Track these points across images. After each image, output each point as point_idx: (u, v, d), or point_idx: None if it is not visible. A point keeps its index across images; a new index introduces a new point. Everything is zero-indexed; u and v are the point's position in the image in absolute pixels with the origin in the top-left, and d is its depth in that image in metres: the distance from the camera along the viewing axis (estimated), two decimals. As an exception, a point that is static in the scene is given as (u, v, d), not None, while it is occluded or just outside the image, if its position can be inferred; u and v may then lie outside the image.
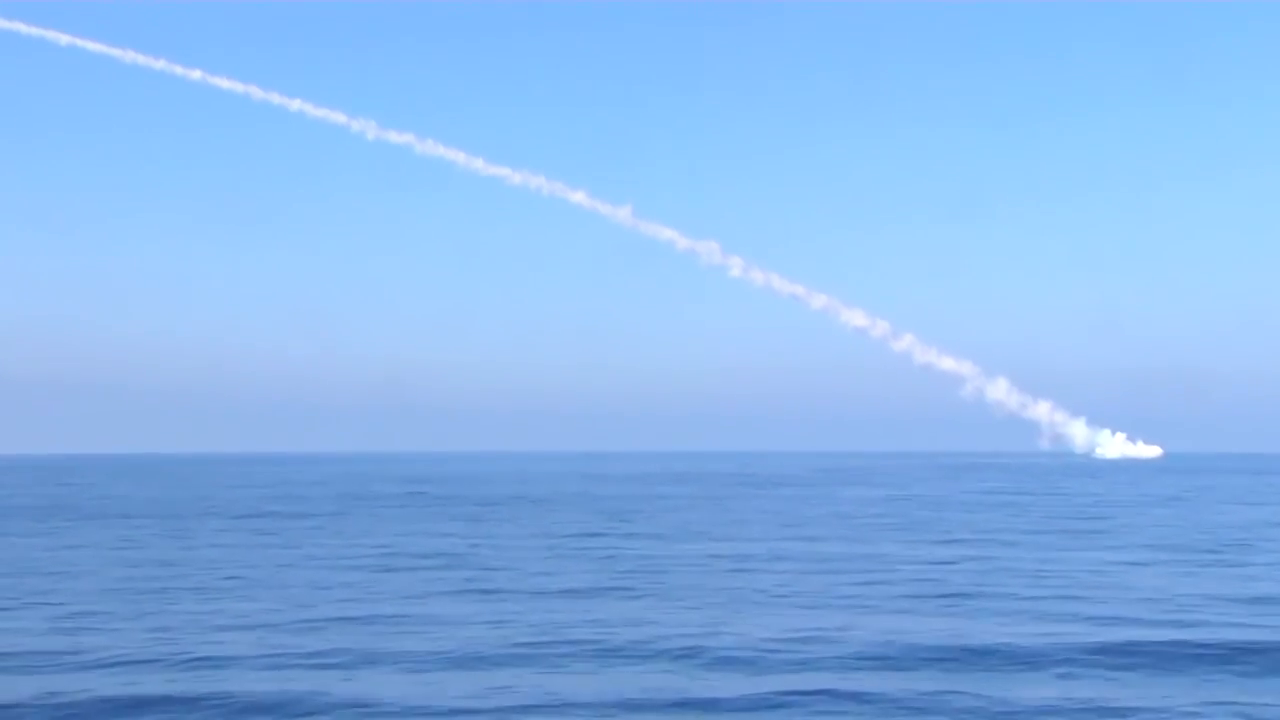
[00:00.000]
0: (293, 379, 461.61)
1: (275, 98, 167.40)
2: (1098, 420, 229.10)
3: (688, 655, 24.07)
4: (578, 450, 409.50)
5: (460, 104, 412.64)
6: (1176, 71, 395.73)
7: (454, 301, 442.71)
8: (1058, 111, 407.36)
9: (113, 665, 23.21)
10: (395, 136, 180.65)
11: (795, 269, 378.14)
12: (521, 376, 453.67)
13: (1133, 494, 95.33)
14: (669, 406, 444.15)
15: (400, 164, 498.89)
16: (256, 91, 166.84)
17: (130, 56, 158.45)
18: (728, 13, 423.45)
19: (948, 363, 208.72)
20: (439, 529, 59.75)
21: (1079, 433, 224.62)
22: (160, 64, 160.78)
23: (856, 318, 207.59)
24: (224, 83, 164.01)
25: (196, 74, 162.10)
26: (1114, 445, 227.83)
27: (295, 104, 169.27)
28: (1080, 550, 46.59)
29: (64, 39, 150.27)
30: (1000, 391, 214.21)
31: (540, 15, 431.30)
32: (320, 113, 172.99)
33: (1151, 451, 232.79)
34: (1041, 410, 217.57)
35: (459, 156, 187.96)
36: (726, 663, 23.46)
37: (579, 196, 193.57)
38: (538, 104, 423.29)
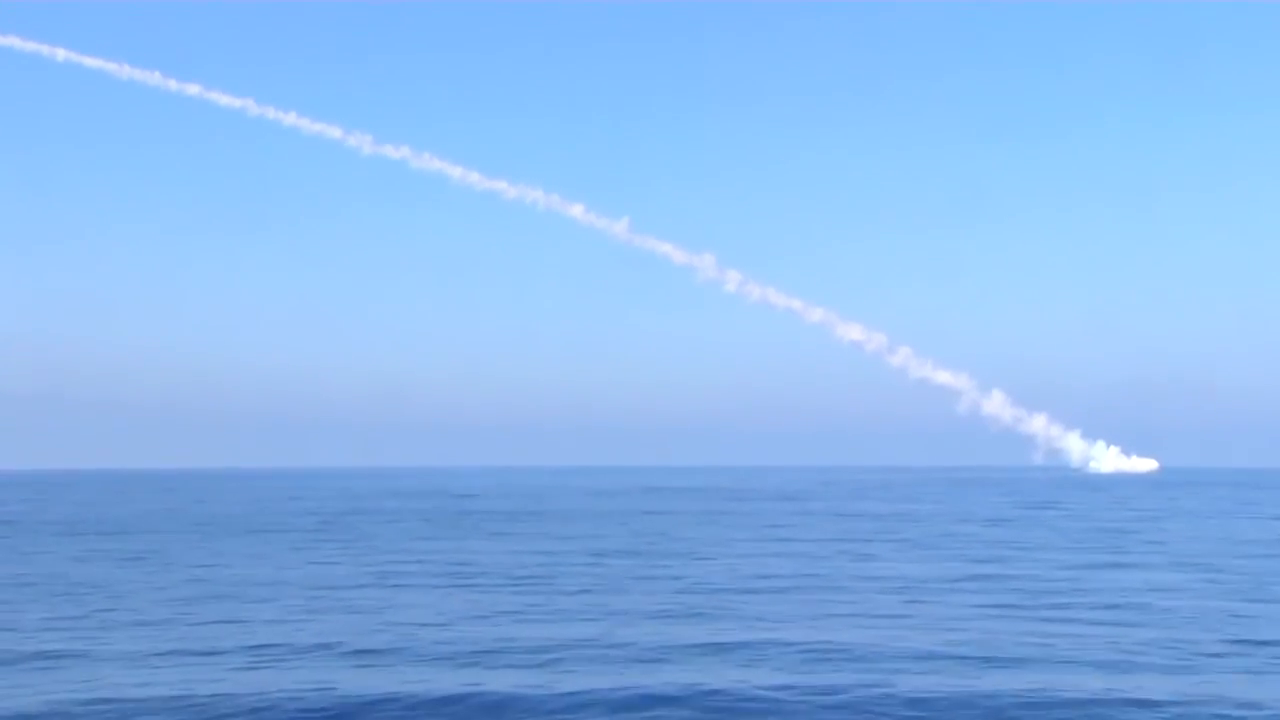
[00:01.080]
0: (280, 393, 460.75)
1: (271, 112, 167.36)
2: (1091, 433, 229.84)
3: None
4: (570, 465, 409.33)
5: (456, 117, 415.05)
6: (1175, 78, 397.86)
7: (448, 316, 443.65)
8: (1055, 120, 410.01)
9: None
10: (391, 150, 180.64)
11: (793, 282, 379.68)
12: (515, 390, 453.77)
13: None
14: (662, 421, 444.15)
15: (396, 178, 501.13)
16: (252, 106, 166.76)
17: (126, 72, 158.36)
18: (724, 24, 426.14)
19: (944, 376, 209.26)
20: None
21: (1074, 446, 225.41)
22: (155, 77, 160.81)
23: (854, 331, 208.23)
24: (221, 97, 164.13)
25: (194, 88, 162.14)
26: (1109, 459, 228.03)
27: (290, 117, 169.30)
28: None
29: (61, 54, 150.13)
30: (996, 405, 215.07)
31: (534, 28, 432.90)
32: (316, 127, 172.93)
33: (1147, 465, 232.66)
34: (1037, 424, 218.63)
35: (455, 170, 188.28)
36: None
37: (577, 210, 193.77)
38: (533, 117, 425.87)
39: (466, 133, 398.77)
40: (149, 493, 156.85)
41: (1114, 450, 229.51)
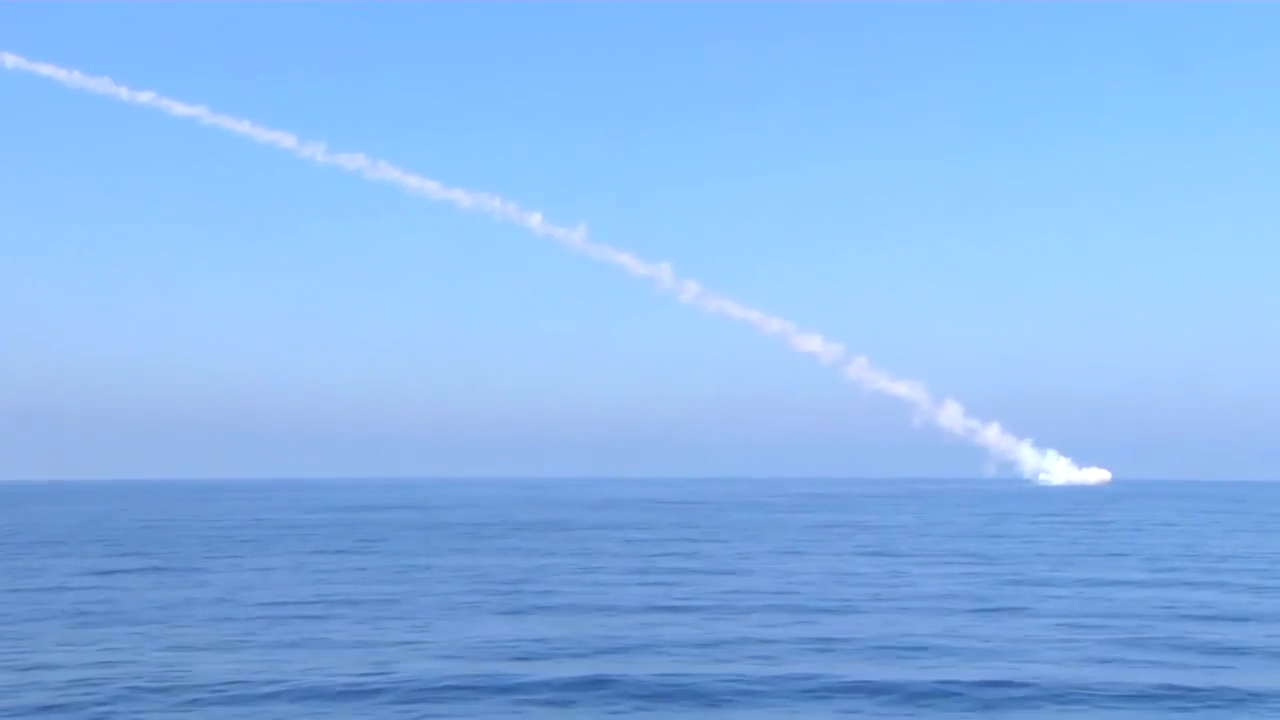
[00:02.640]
0: (232, 406, 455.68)
1: (226, 121, 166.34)
2: (1042, 442, 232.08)
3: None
4: (519, 476, 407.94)
5: (413, 126, 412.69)
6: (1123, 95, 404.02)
7: (401, 327, 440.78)
8: (1018, 132, 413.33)
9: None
10: (346, 160, 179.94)
11: (756, 294, 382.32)
12: (466, 402, 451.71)
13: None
14: (615, 431, 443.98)
15: (351, 188, 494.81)
16: (206, 114, 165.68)
17: (76, 79, 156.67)
18: (684, 34, 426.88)
19: (900, 388, 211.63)
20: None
21: (1026, 457, 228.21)
22: (105, 84, 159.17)
23: (811, 342, 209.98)
24: (174, 105, 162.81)
25: (147, 96, 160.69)
26: (1060, 470, 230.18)
27: (244, 126, 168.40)
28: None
29: (10, 60, 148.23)
30: (950, 416, 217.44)
31: (491, 36, 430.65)
32: (271, 135, 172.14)
33: (1099, 476, 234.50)
34: (990, 435, 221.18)
35: (411, 180, 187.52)
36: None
37: (534, 219, 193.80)
38: (492, 125, 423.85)
39: (423, 142, 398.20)
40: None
41: (1064, 461, 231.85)
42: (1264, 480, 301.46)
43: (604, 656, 28.24)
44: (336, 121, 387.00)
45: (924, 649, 29.20)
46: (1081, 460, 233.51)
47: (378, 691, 24.22)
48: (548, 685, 24.85)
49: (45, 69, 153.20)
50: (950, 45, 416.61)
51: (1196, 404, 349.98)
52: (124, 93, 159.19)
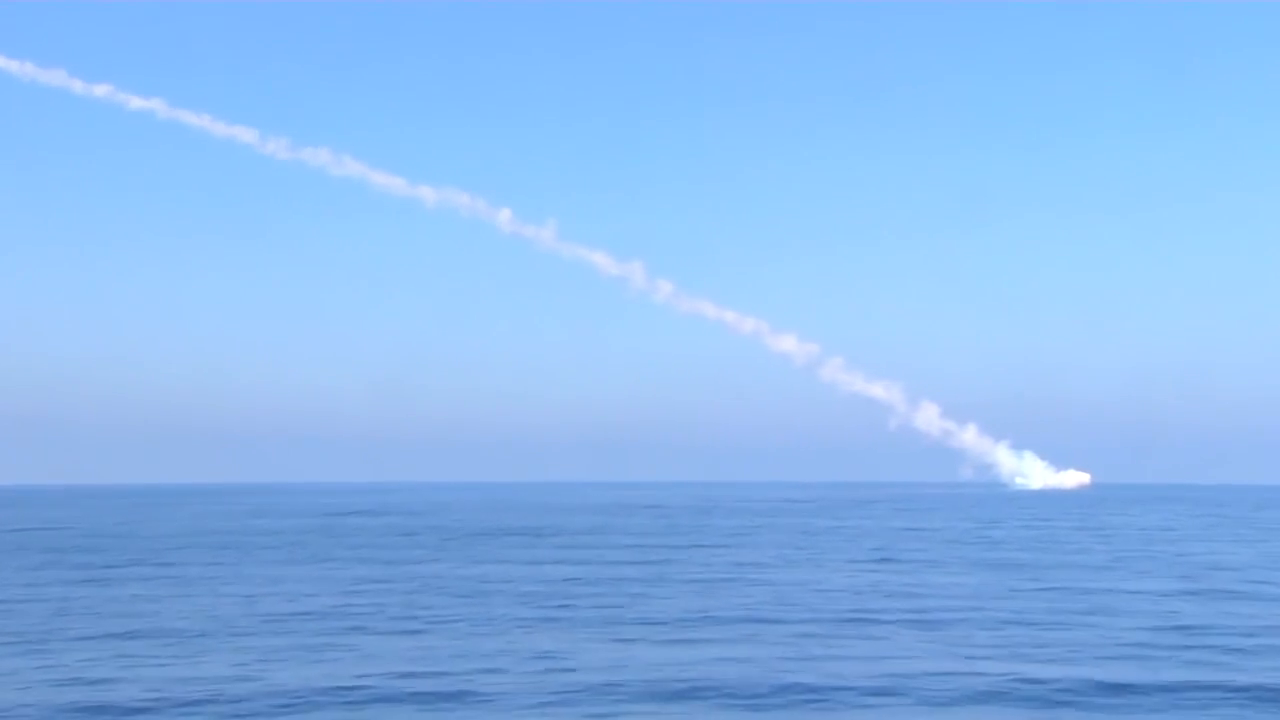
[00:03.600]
0: (175, 410, 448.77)
1: (185, 115, 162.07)
2: (1019, 444, 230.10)
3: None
4: (493, 481, 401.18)
5: (377, 121, 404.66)
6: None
7: (363, 328, 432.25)
8: (995, 128, 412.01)
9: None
10: (310, 155, 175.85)
11: (726, 294, 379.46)
12: (428, 406, 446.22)
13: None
14: (584, 435, 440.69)
15: (315, 184, 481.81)
16: (163, 107, 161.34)
17: (29, 71, 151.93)
18: (653, 29, 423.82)
19: (876, 389, 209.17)
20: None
21: (1004, 460, 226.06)
22: (60, 77, 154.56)
23: (787, 342, 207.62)
24: (132, 99, 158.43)
25: (104, 89, 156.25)
26: (1038, 473, 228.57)
27: (203, 120, 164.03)
28: None
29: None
30: (927, 418, 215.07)
31: (456, 31, 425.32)
32: (230, 130, 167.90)
33: (1078, 479, 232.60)
34: (968, 437, 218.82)
35: (377, 176, 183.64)
36: None
37: (503, 216, 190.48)
38: (458, 121, 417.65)
39: (389, 138, 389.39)
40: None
41: (1041, 464, 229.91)
42: (1243, 484, 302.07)
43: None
44: (301, 117, 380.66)
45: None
46: (1058, 463, 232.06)
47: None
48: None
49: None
50: (934, 41, 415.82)
51: (1177, 406, 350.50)
52: (79, 86, 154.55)
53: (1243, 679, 27.18)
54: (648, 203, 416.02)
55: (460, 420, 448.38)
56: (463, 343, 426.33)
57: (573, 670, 28.68)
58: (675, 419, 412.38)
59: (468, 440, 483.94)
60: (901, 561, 60.55)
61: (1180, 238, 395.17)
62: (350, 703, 25.08)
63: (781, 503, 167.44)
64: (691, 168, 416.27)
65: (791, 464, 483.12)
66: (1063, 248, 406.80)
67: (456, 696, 25.66)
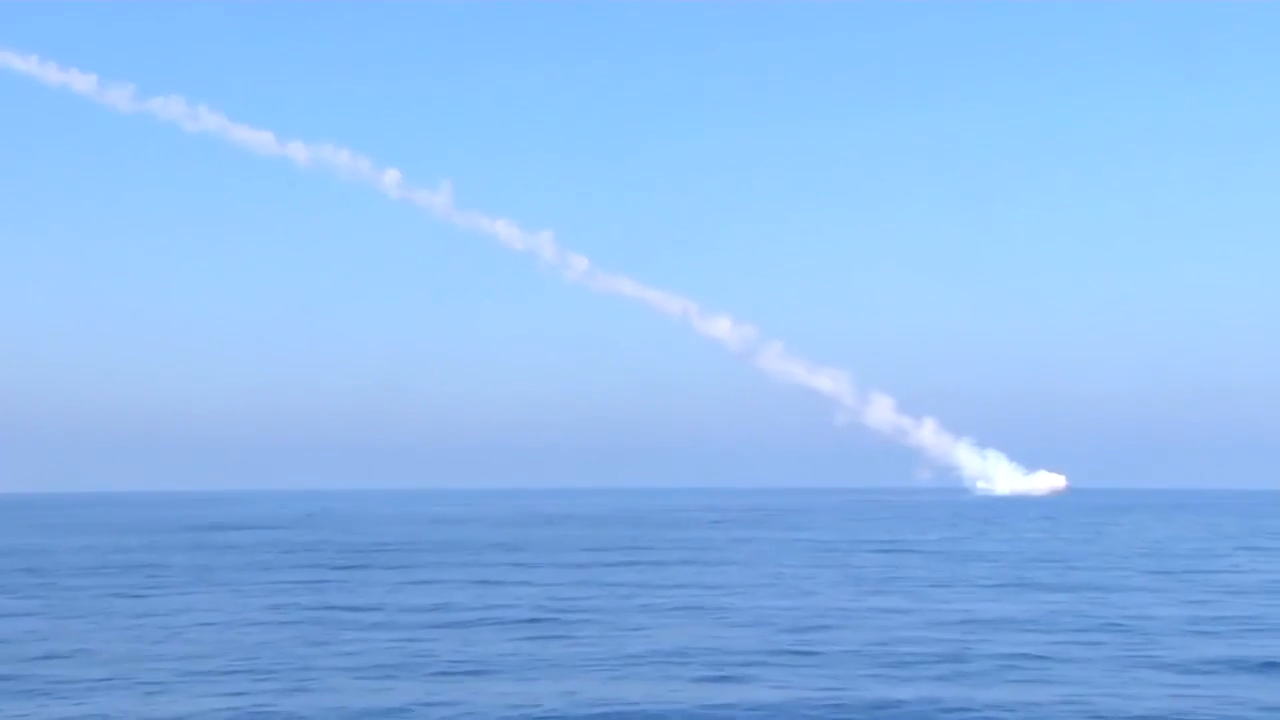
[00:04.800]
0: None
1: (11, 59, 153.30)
2: (982, 443, 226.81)
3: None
4: (361, 488, 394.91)
5: (239, 71, 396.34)
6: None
7: (224, 308, 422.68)
8: (946, 99, 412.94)
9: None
10: (160, 106, 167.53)
11: (650, 271, 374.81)
12: (306, 400, 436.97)
13: None
14: (476, 437, 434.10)
15: (168, 140, 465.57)
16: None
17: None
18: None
19: (821, 380, 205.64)
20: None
21: (966, 462, 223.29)
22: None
23: (719, 326, 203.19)
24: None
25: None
26: (1005, 476, 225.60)
27: (30, 63, 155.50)
28: None
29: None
30: (880, 413, 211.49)
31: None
32: (64, 76, 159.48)
33: (1052, 483, 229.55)
34: (925, 434, 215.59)
35: (240, 130, 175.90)
36: None
37: (389, 178, 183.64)
38: (338, 73, 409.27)
39: (254, 90, 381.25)
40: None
41: (1009, 466, 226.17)
42: (1231, 489, 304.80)
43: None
44: (148, 63, 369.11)
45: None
46: (1029, 464, 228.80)
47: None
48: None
49: None
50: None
51: (1150, 405, 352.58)
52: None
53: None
54: (558, 170, 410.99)
55: (314, 413, 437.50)
56: (340, 329, 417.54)
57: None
58: (596, 416, 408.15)
59: (310, 438, 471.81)
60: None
61: (1163, 221, 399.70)
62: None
63: (700, 512, 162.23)
64: (609, 130, 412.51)
65: (723, 467, 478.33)
66: (1039, 220, 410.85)
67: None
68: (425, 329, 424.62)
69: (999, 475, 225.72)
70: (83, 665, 36.10)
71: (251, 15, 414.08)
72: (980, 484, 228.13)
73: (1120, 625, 43.01)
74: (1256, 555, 78.72)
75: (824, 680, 32.51)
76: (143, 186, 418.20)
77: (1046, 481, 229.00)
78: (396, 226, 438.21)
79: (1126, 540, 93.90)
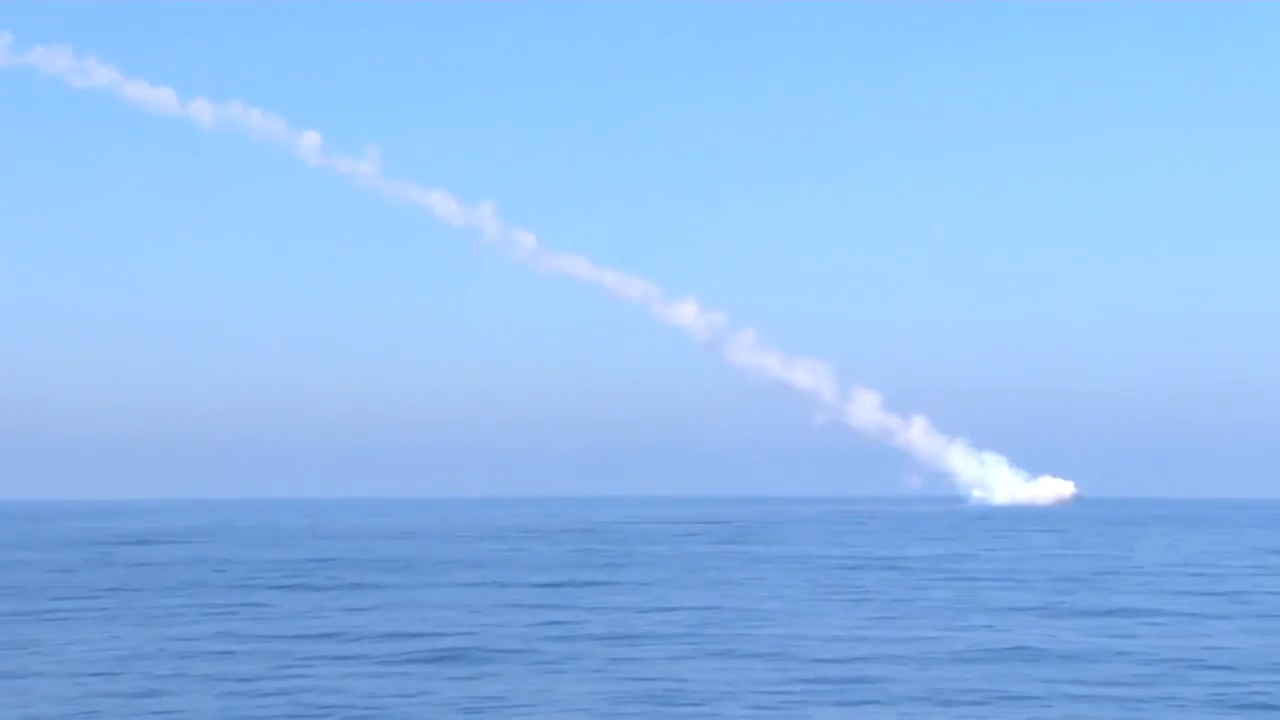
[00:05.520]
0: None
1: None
2: (978, 444, 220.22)
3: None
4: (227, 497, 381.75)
5: (144, 24, 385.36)
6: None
7: (105, 290, 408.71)
8: (946, 61, 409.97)
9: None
10: (42, 57, 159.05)
11: (606, 251, 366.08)
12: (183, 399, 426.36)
13: None
14: (385, 439, 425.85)
15: (53, 99, 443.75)
16: None
17: None
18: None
19: (799, 373, 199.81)
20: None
21: (962, 467, 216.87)
22: None
23: (685, 311, 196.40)
24: None
25: None
26: (1004, 483, 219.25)
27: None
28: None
29: None
30: (865, 411, 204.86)
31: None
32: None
33: (1057, 490, 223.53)
34: (915, 434, 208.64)
35: (135, 87, 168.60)
36: None
37: (308, 142, 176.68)
38: (253, 29, 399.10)
39: (155, 43, 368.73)
40: None
41: (1009, 471, 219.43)
42: (1243, 498, 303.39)
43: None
44: (30, 9, 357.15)
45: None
46: (1032, 468, 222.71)
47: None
48: None
49: None
50: None
51: (1171, 405, 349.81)
52: None
53: None
54: (501, 138, 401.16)
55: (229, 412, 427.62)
56: (249, 316, 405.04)
57: None
58: (548, 416, 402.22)
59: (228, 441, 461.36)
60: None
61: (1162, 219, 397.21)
62: None
63: (663, 525, 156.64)
64: (558, 94, 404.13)
65: (677, 473, 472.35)
66: (1045, 195, 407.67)
67: None
68: (342, 313, 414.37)
69: (998, 482, 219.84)
70: None
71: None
72: (976, 492, 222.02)
73: (1198, 660, 40.39)
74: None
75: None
76: (20, 150, 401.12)
77: (1052, 489, 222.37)
78: (315, 198, 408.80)
79: (1161, 556, 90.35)
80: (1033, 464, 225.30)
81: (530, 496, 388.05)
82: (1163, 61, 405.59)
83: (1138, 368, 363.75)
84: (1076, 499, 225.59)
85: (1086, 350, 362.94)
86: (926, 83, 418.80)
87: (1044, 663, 39.87)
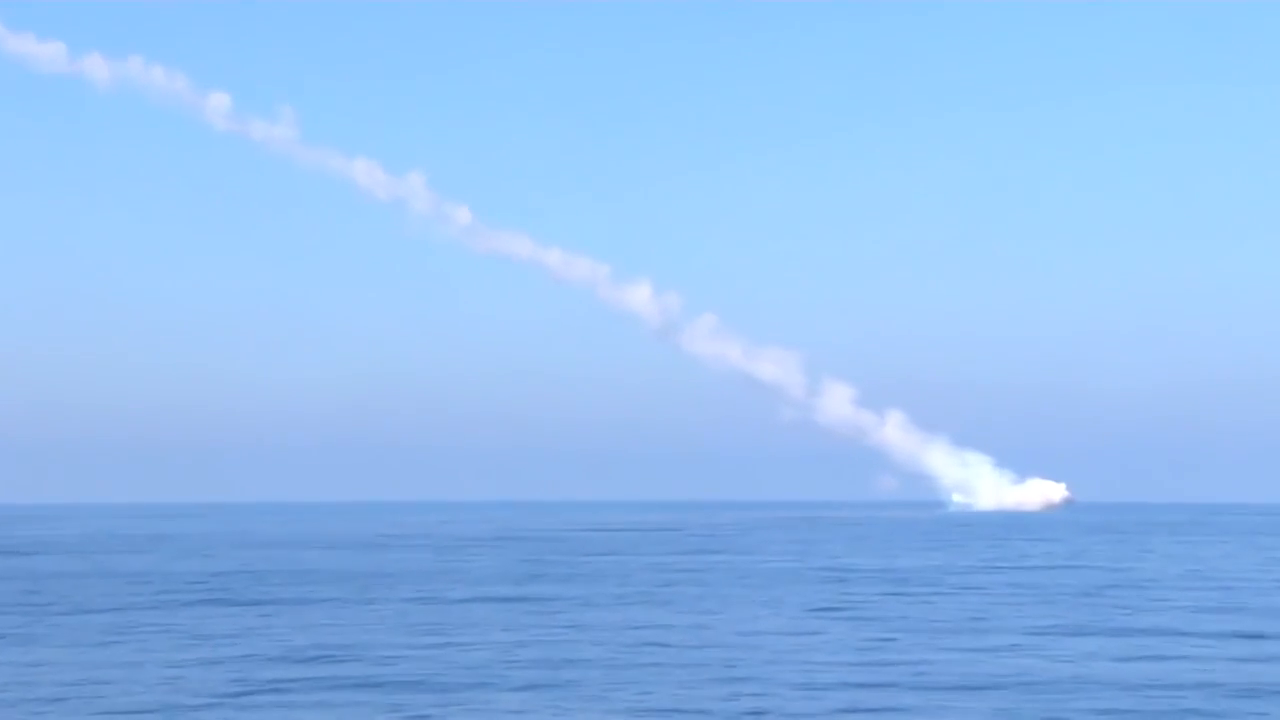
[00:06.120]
0: None
1: None
2: (960, 443, 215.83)
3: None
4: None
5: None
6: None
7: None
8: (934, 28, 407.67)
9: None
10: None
11: (548, 229, 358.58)
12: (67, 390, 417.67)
13: None
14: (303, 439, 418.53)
15: None
16: None
17: None
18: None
19: (764, 364, 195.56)
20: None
21: (942, 467, 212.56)
22: None
23: (637, 294, 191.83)
24: None
25: None
26: (989, 486, 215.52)
27: None
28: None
29: None
30: (836, 406, 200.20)
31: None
32: None
33: (1047, 494, 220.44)
34: (890, 431, 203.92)
35: (18, 42, 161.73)
36: None
37: (216, 104, 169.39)
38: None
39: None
40: None
41: (994, 473, 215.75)
42: (1244, 503, 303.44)
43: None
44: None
45: None
46: (1020, 470, 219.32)
47: None
48: None
49: None
50: None
51: (1171, 403, 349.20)
52: None
53: None
54: (431, 103, 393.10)
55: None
56: (152, 295, 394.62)
57: None
58: (490, 412, 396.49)
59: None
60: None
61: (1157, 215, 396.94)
62: None
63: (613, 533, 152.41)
64: (498, 60, 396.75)
65: (624, 475, 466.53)
66: (1038, 175, 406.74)
67: None
68: (252, 294, 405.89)
69: (982, 484, 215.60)
70: None
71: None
72: (956, 496, 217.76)
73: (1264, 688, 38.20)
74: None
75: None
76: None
77: (1041, 492, 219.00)
78: (223, 164, 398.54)
79: (1180, 567, 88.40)
80: (1020, 464, 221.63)
81: (466, 501, 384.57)
82: (1163, 58, 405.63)
83: (1138, 362, 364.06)
84: (1068, 504, 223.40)
85: (1081, 341, 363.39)
86: (905, 58, 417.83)
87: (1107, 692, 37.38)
